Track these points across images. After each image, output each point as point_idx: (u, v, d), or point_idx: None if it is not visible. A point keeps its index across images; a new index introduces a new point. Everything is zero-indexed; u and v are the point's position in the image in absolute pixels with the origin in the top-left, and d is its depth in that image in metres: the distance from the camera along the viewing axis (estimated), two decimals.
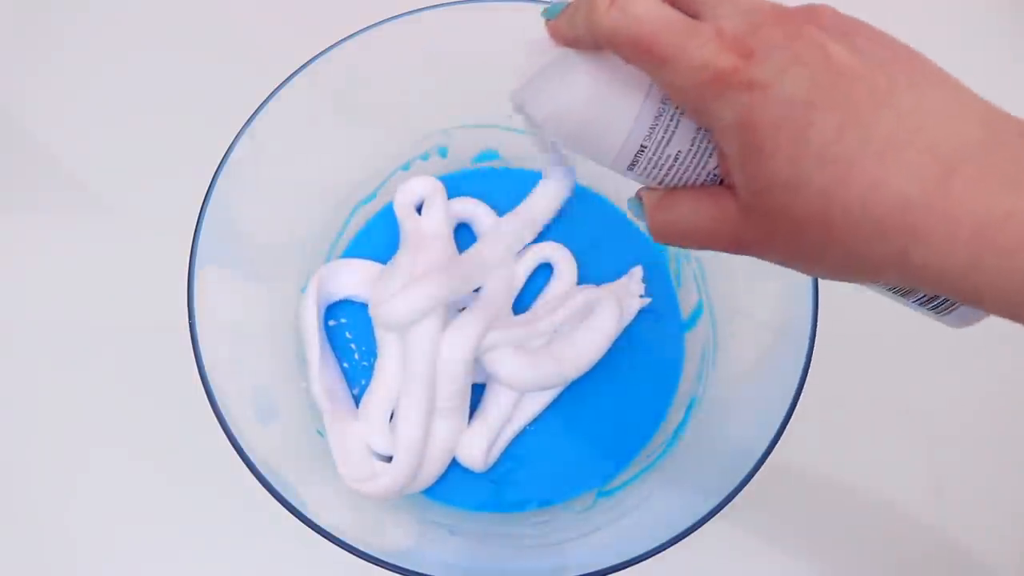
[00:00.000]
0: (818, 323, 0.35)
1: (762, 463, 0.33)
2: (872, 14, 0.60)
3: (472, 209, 0.45)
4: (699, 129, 0.24)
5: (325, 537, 0.32)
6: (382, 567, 0.32)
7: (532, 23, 0.40)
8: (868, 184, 0.20)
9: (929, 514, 0.43)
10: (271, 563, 0.42)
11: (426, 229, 0.44)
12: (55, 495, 0.44)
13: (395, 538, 0.38)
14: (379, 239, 0.45)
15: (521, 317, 0.42)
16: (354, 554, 0.32)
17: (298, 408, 0.40)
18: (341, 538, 0.32)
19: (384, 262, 0.44)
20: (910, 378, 0.46)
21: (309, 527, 0.32)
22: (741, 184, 0.22)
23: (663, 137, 0.24)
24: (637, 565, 0.32)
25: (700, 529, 0.32)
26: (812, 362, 0.34)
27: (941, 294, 0.22)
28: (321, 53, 0.39)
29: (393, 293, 0.39)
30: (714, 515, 0.32)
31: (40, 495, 0.44)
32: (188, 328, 0.34)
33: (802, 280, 0.35)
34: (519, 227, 0.44)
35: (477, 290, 0.42)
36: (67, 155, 0.51)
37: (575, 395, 0.42)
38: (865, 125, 0.20)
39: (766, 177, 0.21)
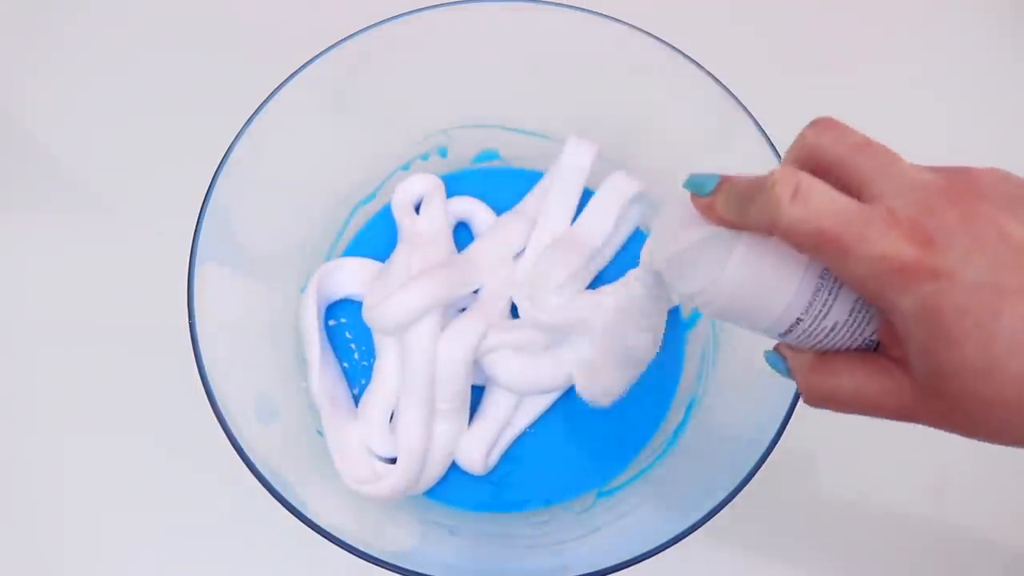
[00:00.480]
0: None
1: (762, 463, 0.33)
2: (873, 15, 0.61)
3: (471, 208, 0.45)
4: (857, 300, 0.24)
5: (325, 537, 0.32)
6: (382, 567, 0.32)
7: (531, 24, 0.41)
8: None
9: (929, 514, 0.43)
10: (271, 563, 0.42)
11: (424, 228, 0.43)
12: (54, 495, 0.43)
13: (395, 538, 0.38)
14: (379, 239, 0.45)
15: (521, 319, 0.42)
16: (354, 554, 0.32)
17: (298, 408, 0.40)
18: (341, 538, 0.32)
19: (384, 262, 0.44)
20: None
21: (309, 527, 0.32)
22: (923, 366, 0.22)
23: (820, 311, 0.24)
24: (637, 565, 0.32)
25: (700, 529, 0.32)
26: None
27: None
28: (321, 53, 0.39)
29: (388, 295, 0.39)
30: (714, 515, 0.32)
31: (39, 495, 0.44)
32: (188, 328, 0.34)
33: None
34: (519, 226, 0.44)
35: (476, 291, 0.42)
36: (67, 155, 0.51)
37: (575, 395, 0.42)
38: None
39: (955, 363, 0.21)
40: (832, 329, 0.24)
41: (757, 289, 0.24)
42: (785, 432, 0.33)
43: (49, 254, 0.48)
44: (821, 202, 0.22)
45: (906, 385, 0.23)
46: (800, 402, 0.34)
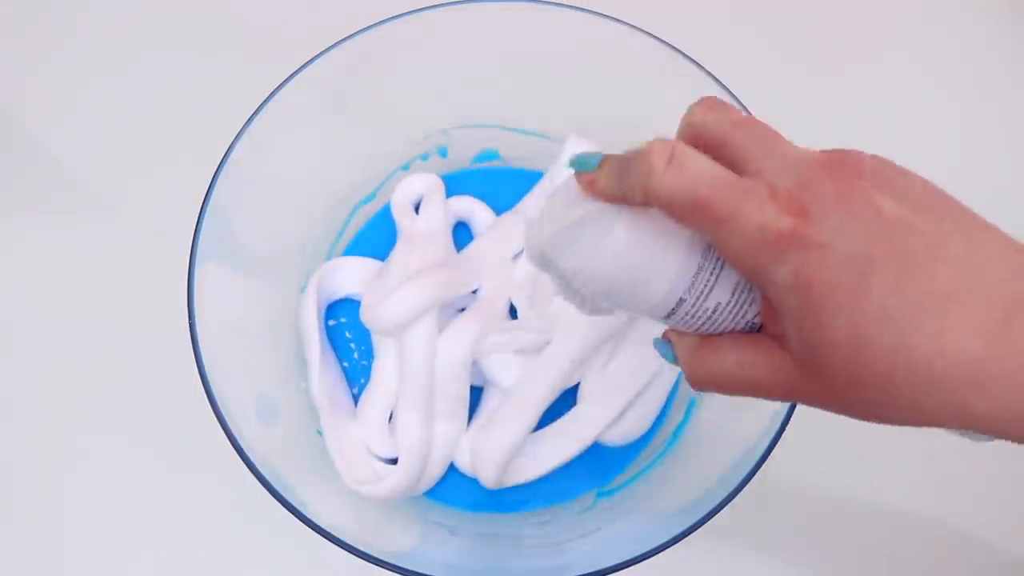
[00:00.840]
0: None
1: (762, 463, 0.33)
2: (873, 15, 0.60)
3: (470, 208, 0.45)
4: (739, 282, 0.24)
5: (325, 537, 0.32)
6: (382, 567, 0.32)
7: (531, 24, 0.41)
8: (932, 341, 0.20)
9: (929, 515, 0.43)
10: (271, 563, 0.42)
11: (423, 227, 0.43)
12: (54, 494, 0.43)
13: (395, 538, 0.38)
14: (379, 239, 0.45)
15: (520, 320, 0.42)
16: (354, 554, 0.32)
17: (298, 408, 0.40)
18: (341, 538, 0.32)
19: (384, 261, 0.44)
20: None
21: (309, 527, 0.32)
22: (797, 341, 0.22)
23: (702, 291, 0.24)
24: (637, 565, 0.32)
25: (700, 529, 0.32)
26: None
27: (998, 438, 0.22)
28: (321, 53, 0.39)
29: (385, 295, 0.39)
30: (714, 515, 0.32)
31: (39, 495, 0.44)
32: (188, 328, 0.34)
33: None
34: (519, 226, 0.44)
35: (475, 291, 0.42)
36: (67, 155, 0.51)
37: (575, 393, 0.42)
38: (923, 279, 0.20)
39: (826, 337, 0.21)
40: (715, 311, 0.24)
41: (638, 266, 0.24)
42: (785, 432, 0.33)
43: (49, 254, 0.48)
44: (696, 169, 0.22)
45: (787, 362, 0.22)
46: (800, 404, 0.34)
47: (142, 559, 0.42)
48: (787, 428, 0.33)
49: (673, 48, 0.39)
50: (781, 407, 0.34)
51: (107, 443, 0.44)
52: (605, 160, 0.24)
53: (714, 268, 0.24)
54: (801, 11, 0.56)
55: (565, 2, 0.40)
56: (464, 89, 0.44)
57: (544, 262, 0.26)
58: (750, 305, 0.24)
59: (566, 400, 0.42)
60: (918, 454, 0.44)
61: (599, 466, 0.42)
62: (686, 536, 0.32)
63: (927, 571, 0.43)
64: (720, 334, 0.25)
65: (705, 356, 0.25)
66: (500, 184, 0.46)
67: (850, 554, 0.43)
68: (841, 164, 0.22)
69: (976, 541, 0.43)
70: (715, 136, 0.23)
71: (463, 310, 0.42)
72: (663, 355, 0.26)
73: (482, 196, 0.46)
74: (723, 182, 0.21)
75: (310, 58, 0.39)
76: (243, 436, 0.33)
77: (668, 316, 0.25)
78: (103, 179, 0.50)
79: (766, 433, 0.34)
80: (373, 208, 0.46)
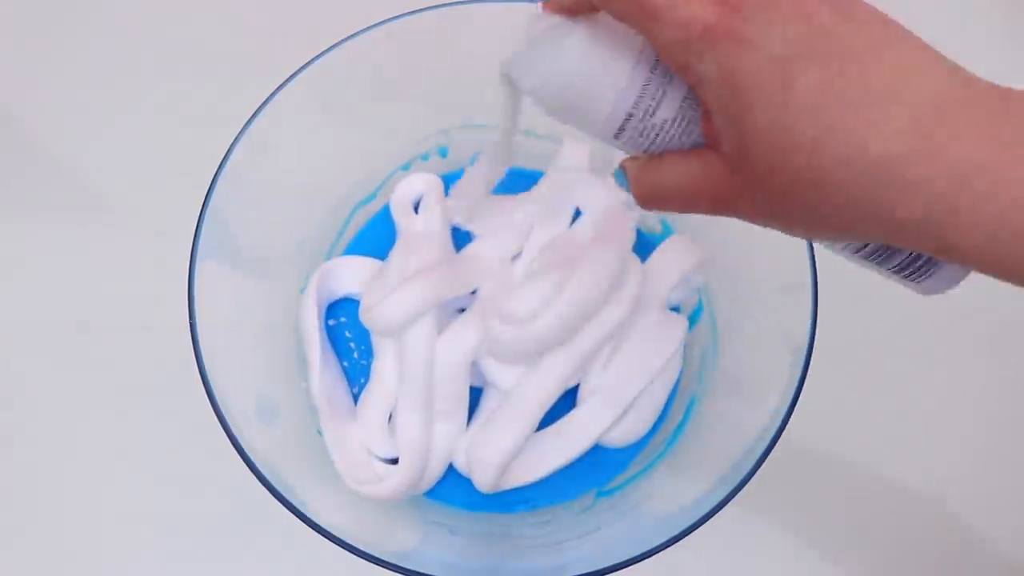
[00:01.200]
0: (817, 324, 0.35)
1: (761, 463, 0.33)
2: None
3: None
4: (685, 98, 0.25)
5: (325, 537, 0.32)
6: (382, 567, 0.32)
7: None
8: (853, 138, 0.20)
9: (930, 515, 0.43)
10: (272, 563, 0.42)
11: (422, 227, 0.43)
12: (54, 495, 0.44)
13: (395, 538, 0.38)
14: (379, 239, 0.45)
15: None
16: (354, 554, 0.32)
17: (298, 408, 0.40)
18: (341, 538, 0.32)
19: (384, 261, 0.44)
20: (909, 378, 0.46)
21: (309, 527, 0.32)
22: (726, 137, 0.22)
23: (650, 105, 0.25)
24: (637, 564, 0.32)
25: (699, 528, 0.32)
26: (811, 364, 0.34)
27: (920, 249, 0.22)
28: (320, 54, 0.39)
29: (384, 296, 0.39)
30: (713, 515, 0.32)
31: (38, 495, 0.44)
32: (188, 328, 0.34)
33: (802, 280, 0.35)
34: (518, 226, 0.44)
35: (475, 292, 0.42)
36: (67, 155, 0.51)
37: (575, 395, 0.42)
38: (850, 80, 0.20)
39: (752, 127, 0.21)
40: (662, 127, 0.25)
41: (590, 79, 0.25)
42: (785, 432, 0.33)
43: (49, 254, 0.48)
44: None
45: (720, 166, 0.23)
46: (799, 404, 0.34)
47: (142, 559, 0.42)
48: (787, 429, 0.33)
49: None
50: (780, 410, 0.34)
51: (107, 443, 0.44)
52: None
53: (661, 83, 0.24)
54: None
55: None
56: (464, 89, 0.44)
57: (510, 85, 0.28)
58: (696, 124, 0.25)
59: (566, 401, 0.42)
60: (919, 458, 0.44)
61: (599, 466, 0.42)
62: (686, 535, 0.32)
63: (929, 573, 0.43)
64: (669, 152, 0.26)
65: (651, 170, 0.25)
66: (501, 184, 0.46)
67: (850, 554, 0.43)
68: None
69: (979, 544, 0.43)
70: None
71: (463, 310, 0.42)
72: (620, 183, 0.27)
73: None
74: None
75: (310, 59, 0.39)
76: (243, 436, 0.33)
77: (618, 134, 0.26)
78: (103, 179, 0.50)
79: (766, 433, 0.34)
80: (373, 208, 0.46)
